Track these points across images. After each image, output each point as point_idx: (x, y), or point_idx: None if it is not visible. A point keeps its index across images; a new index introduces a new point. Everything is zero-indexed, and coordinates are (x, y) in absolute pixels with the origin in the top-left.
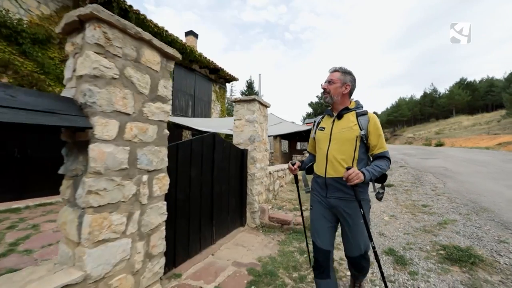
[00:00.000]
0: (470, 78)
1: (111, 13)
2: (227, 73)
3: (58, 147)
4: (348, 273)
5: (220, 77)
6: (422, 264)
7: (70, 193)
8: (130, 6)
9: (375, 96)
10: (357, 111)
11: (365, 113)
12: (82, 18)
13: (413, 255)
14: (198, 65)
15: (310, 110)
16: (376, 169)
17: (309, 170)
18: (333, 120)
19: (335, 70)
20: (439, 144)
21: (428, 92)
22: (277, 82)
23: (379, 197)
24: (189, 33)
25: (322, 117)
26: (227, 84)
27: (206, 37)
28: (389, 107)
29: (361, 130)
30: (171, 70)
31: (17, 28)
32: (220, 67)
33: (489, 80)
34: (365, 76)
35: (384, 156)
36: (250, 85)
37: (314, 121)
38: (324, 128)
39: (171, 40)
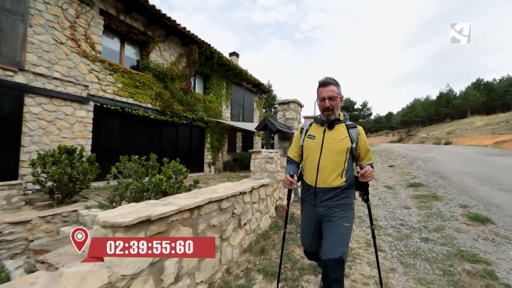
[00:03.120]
0: (488, 78)
1: (297, 99)
2: (265, 86)
3: (171, 144)
4: None
5: (259, 89)
6: (399, 188)
7: (282, 153)
8: (215, 50)
9: (389, 95)
10: (347, 123)
11: (355, 126)
12: (290, 101)
13: (396, 187)
14: (245, 82)
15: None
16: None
17: (299, 178)
18: (324, 130)
19: (331, 83)
20: (447, 143)
21: (444, 92)
22: (288, 82)
23: (365, 198)
24: (232, 54)
25: (310, 125)
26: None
27: (217, 39)
28: (404, 107)
29: (352, 142)
30: (301, 110)
31: (165, 72)
32: (262, 83)
33: (510, 79)
34: (379, 74)
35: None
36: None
37: (302, 128)
38: (314, 136)
39: (234, 67)
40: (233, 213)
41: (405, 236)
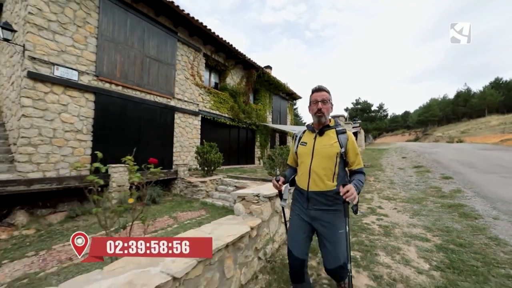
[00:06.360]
0: (509, 75)
1: (344, 114)
2: (297, 94)
3: (235, 142)
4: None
5: (291, 97)
6: (407, 169)
7: None
8: (266, 71)
9: (406, 93)
10: (337, 129)
11: (344, 132)
12: (339, 115)
13: (405, 168)
14: (281, 92)
15: (345, 114)
16: (360, 184)
17: (292, 182)
18: (315, 136)
19: (323, 90)
20: (459, 141)
21: (462, 91)
22: (300, 82)
23: (355, 209)
24: (267, 67)
25: (303, 132)
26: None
27: (229, 41)
28: (421, 106)
29: (341, 147)
30: (345, 122)
31: (236, 91)
32: (294, 92)
33: None
34: (395, 71)
35: (361, 172)
36: None
37: (296, 136)
38: (306, 143)
39: (276, 82)
40: None
41: (407, 185)
